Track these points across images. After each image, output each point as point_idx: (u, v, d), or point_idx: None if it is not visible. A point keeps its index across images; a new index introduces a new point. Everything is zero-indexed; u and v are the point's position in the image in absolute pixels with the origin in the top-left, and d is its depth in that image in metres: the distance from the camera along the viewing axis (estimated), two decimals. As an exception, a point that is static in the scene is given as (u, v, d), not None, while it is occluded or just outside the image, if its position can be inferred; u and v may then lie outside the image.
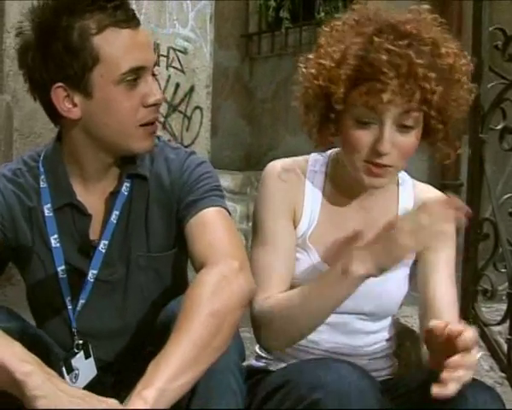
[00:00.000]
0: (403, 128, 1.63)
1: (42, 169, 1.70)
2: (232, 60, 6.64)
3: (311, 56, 1.70)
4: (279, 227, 1.74)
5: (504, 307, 2.35)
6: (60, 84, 1.57)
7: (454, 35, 5.25)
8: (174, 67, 4.55)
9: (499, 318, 2.39)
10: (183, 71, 4.61)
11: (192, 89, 4.74)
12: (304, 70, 1.70)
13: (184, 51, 4.67)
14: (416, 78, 1.57)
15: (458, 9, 5.12)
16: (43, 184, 1.68)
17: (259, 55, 6.61)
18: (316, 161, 1.82)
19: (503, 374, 2.29)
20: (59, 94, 1.58)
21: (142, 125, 1.61)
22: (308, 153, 1.86)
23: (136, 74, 1.58)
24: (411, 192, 1.84)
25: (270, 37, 6.47)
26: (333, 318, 1.72)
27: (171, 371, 1.36)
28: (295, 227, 1.77)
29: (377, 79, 1.57)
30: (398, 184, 1.83)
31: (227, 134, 6.49)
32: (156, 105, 1.62)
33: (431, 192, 1.86)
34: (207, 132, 4.87)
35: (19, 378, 1.34)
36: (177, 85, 4.62)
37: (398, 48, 1.58)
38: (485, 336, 2.40)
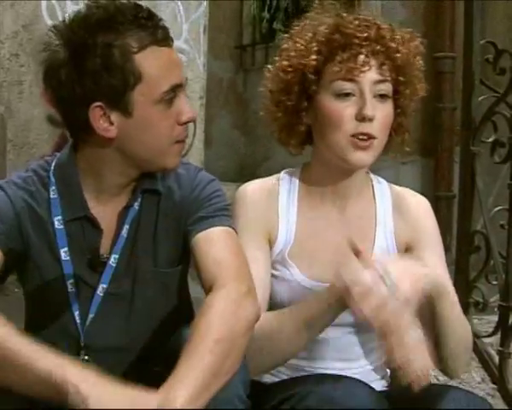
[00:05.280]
0: (379, 98, 1.69)
1: (53, 179, 1.68)
2: (226, 71, 6.66)
3: (276, 58, 1.77)
4: (252, 250, 1.73)
5: (496, 318, 2.36)
6: (97, 103, 1.55)
7: (446, 46, 5.26)
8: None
9: (491, 329, 2.40)
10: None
11: (186, 100, 4.74)
12: (271, 70, 1.77)
13: (178, 63, 4.68)
14: (385, 39, 1.68)
15: (451, 21, 5.14)
16: (53, 195, 1.67)
17: (253, 66, 6.62)
18: (287, 176, 1.84)
19: (495, 386, 2.30)
20: (96, 113, 1.55)
21: (175, 143, 1.62)
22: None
23: (173, 92, 1.58)
24: (388, 193, 1.84)
25: (264, 48, 6.49)
26: (322, 333, 1.72)
27: (186, 395, 1.37)
28: (272, 246, 1.77)
29: (350, 45, 1.67)
30: (373, 187, 1.84)
31: (221, 145, 6.49)
32: (189, 123, 1.63)
33: (411, 194, 1.87)
34: (201, 143, 4.87)
35: (67, 388, 1.35)
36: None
37: (365, 18, 1.71)
38: (476, 348, 2.40)
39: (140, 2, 1.62)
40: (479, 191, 2.44)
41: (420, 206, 1.83)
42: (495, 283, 2.40)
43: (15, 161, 3.89)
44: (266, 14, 6.48)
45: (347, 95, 1.68)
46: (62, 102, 1.60)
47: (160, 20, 1.60)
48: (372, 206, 1.81)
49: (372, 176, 1.86)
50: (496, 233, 2.41)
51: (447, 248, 5.33)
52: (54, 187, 1.67)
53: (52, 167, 1.69)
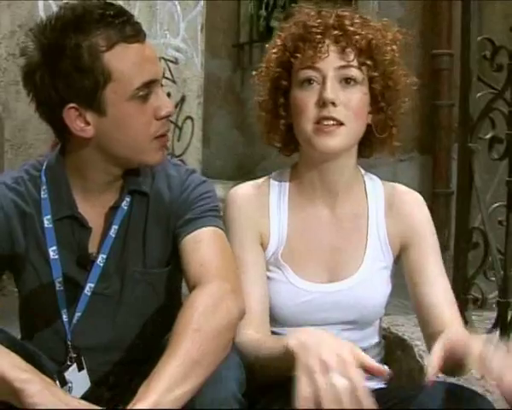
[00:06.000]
0: (345, 83, 1.69)
1: (44, 179, 1.69)
2: (224, 70, 6.65)
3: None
4: (247, 254, 1.74)
5: (494, 315, 2.36)
6: (72, 104, 1.55)
7: (444, 44, 5.27)
8: (165, 78, 4.55)
9: (489, 326, 2.39)
10: (174, 81, 4.62)
11: (183, 99, 4.75)
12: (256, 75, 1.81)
13: (175, 61, 4.68)
14: (343, 24, 1.70)
15: (448, 19, 5.14)
16: (43, 195, 1.68)
17: (251, 64, 6.62)
18: (277, 177, 1.84)
19: (494, 382, 2.29)
20: (71, 114, 1.56)
21: (155, 138, 1.62)
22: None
23: (147, 88, 1.58)
24: (380, 190, 1.83)
25: (262, 46, 6.47)
26: None
27: (162, 387, 1.37)
28: (265, 248, 1.77)
29: (309, 35, 1.69)
30: (364, 184, 1.83)
31: (219, 144, 6.49)
32: (168, 117, 1.63)
33: (404, 190, 1.85)
34: (199, 142, 4.88)
35: (17, 386, 1.36)
36: (168, 95, 4.61)
37: (327, 9, 1.74)
38: (475, 345, 2.40)
39: (136, 1, 1.62)
40: (477, 188, 2.44)
41: (413, 202, 1.82)
42: (493, 279, 2.39)
43: (13, 160, 3.90)
44: (263, 13, 6.49)
45: (310, 83, 1.69)
46: (41, 105, 1.61)
47: (131, 16, 1.59)
48: (364, 204, 1.81)
49: (364, 173, 1.85)
50: (494, 230, 2.41)
51: (445, 246, 5.34)
52: (45, 187, 1.68)
53: (43, 167, 1.70)
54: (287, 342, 1.48)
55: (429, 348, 1.69)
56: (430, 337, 1.73)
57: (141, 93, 1.57)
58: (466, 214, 2.48)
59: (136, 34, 1.58)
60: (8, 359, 1.42)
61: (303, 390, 1.37)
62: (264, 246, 1.78)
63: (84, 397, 1.66)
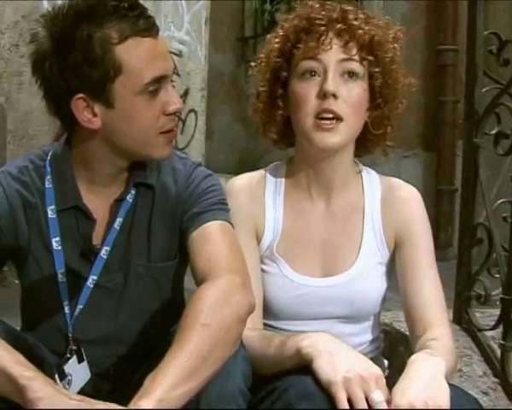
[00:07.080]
0: (347, 77, 1.69)
1: (48, 169, 1.68)
2: (228, 63, 6.64)
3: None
4: (241, 245, 1.69)
5: (498, 312, 2.35)
6: (80, 95, 1.54)
7: (449, 39, 5.27)
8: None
9: (493, 323, 2.39)
10: (177, 74, 4.60)
11: (187, 92, 4.74)
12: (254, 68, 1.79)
13: (179, 54, 4.67)
14: (347, 19, 1.70)
15: (453, 14, 5.13)
16: (48, 185, 1.66)
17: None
18: (274, 169, 1.84)
19: (497, 379, 2.29)
20: (79, 105, 1.55)
21: (162, 133, 1.61)
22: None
23: (157, 83, 1.56)
24: (377, 185, 1.82)
25: (266, 41, 6.46)
26: (313, 325, 1.72)
27: (168, 382, 1.36)
28: (260, 241, 1.77)
29: (312, 27, 1.69)
30: (361, 179, 1.82)
31: (222, 138, 6.48)
32: (176, 113, 1.62)
33: (401, 185, 1.84)
34: (202, 135, 4.87)
35: (22, 383, 1.36)
36: (172, 88, 4.63)
37: (331, 3, 1.74)
38: (478, 342, 2.39)
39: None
40: (482, 184, 2.43)
41: (409, 198, 1.81)
42: (497, 276, 2.38)
43: (16, 152, 3.90)
44: (268, 7, 6.47)
45: (312, 75, 1.68)
46: (49, 94, 1.59)
47: (145, 9, 1.58)
48: (360, 198, 1.80)
49: (362, 167, 1.84)
50: (498, 226, 2.40)
51: (449, 242, 5.31)
52: (49, 177, 1.67)
53: (49, 157, 1.69)
54: (298, 346, 1.53)
55: (415, 351, 1.69)
56: (414, 340, 1.74)
57: (150, 88, 1.56)
58: (470, 210, 2.47)
59: (149, 28, 1.56)
60: (11, 356, 1.42)
61: (343, 404, 1.44)
62: (259, 238, 1.77)
63: (84, 389, 1.66)
